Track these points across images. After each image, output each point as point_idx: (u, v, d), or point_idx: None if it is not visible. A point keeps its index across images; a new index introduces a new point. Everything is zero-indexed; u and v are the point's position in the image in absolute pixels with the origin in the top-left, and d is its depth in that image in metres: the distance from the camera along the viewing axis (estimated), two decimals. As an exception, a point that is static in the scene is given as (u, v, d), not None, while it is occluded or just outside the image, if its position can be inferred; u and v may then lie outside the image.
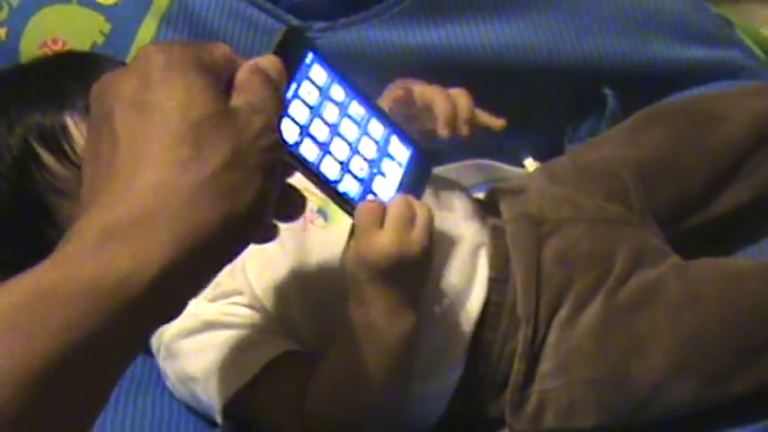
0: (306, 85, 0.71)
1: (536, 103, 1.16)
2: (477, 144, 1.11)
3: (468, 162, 1.19)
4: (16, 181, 0.92)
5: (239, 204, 0.55)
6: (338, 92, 0.74)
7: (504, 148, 1.20)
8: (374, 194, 0.77)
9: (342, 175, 0.74)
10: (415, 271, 0.80)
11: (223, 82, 0.58)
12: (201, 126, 0.54)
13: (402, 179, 0.79)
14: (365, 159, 0.76)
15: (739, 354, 0.87)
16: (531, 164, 1.20)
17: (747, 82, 1.13)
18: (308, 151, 0.71)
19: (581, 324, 0.87)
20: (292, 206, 0.67)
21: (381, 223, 0.77)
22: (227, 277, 0.90)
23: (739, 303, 0.88)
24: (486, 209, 0.97)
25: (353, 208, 0.76)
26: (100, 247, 0.51)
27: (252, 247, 0.82)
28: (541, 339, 0.88)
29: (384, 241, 0.77)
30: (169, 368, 0.90)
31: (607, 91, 1.14)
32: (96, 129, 0.56)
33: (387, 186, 0.78)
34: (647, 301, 0.88)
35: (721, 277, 0.90)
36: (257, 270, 0.89)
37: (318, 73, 0.73)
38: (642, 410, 0.85)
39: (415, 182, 0.80)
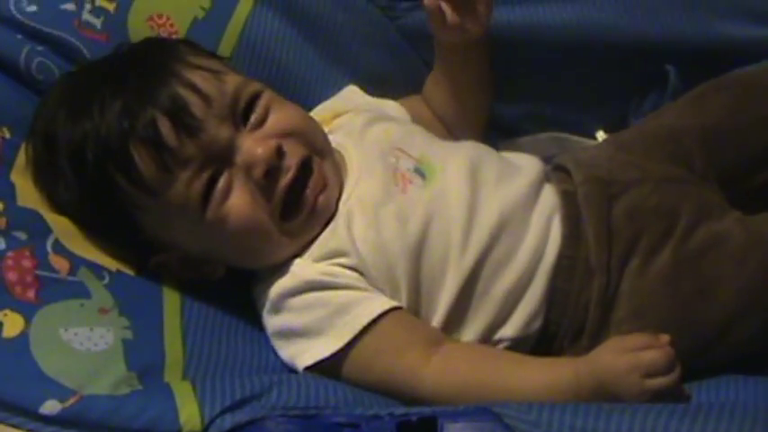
0: None
1: (605, 78, 1.16)
2: (551, 118, 1.17)
3: (543, 135, 1.20)
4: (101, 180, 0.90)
5: None
6: None
7: (576, 121, 1.21)
8: None
9: None
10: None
11: None
12: None
13: None
14: None
15: None
16: (602, 136, 1.20)
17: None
18: None
19: (653, 271, 0.91)
20: None
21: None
22: (329, 235, 0.92)
23: None
24: (557, 175, 1.00)
25: None
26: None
27: (355, 207, 0.91)
28: (614, 288, 0.91)
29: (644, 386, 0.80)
30: (271, 322, 0.93)
31: (669, 68, 1.14)
32: None
33: None
34: (715, 248, 0.91)
35: None
36: (362, 230, 0.92)
37: None
38: (708, 351, 0.88)
39: None
